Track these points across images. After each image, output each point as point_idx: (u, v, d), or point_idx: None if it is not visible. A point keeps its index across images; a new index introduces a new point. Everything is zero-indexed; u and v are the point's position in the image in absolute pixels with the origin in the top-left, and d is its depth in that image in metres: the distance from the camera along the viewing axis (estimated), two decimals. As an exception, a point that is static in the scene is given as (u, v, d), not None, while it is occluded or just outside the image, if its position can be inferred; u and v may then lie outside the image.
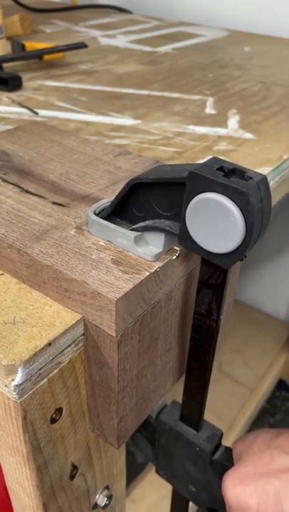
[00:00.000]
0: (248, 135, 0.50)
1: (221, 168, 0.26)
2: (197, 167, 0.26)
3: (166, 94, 0.61)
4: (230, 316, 0.46)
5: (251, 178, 0.25)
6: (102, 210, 0.32)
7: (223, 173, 0.25)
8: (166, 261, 0.29)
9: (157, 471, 0.44)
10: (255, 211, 0.24)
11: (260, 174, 0.25)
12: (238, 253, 0.26)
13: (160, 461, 0.42)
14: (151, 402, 0.37)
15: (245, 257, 0.26)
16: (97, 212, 0.32)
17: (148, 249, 0.29)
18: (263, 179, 0.25)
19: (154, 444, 0.42)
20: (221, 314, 0.30)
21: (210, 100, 0.60)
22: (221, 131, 0.51)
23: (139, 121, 0.52)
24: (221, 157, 0.45)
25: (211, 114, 0.56)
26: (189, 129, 0.51)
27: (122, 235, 0.30)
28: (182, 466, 0.40)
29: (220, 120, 0.54)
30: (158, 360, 0.34)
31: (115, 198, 0.31)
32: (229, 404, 1.08)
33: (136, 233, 0.29)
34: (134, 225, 0.30)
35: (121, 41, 0.88)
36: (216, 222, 0.25)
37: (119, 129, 0.50)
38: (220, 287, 0.29)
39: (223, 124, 0.53)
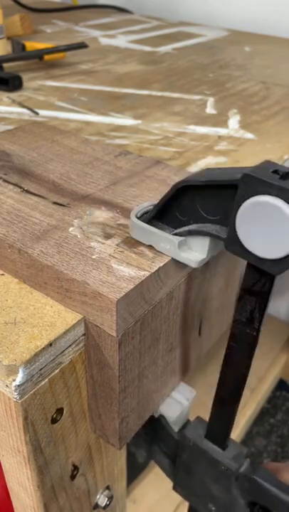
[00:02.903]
0: (249, 135, 0.50)
1: (275, 171, 0.25)
2: (252, 169, 0.25)
3: (166, 94, 0.61)
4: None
5: None
6: (145, 213, 0.31)
7: (279, 176, 0.24)
8: (166, 261, 0.29)
9: (175, 488, 0.42)
10: None
11: None
12: None
13: (179, 478, 0.41)
14: (153, 403, 0.37)
15: None
16: (138, 215, 0.31)
17: (192, 254, 0.29)
18: None
19: (173, 460, 0.41)
20: (262, 323, 0.29)
21: (210, 100, 0.60)
22: (222, 131, 0.51)
23: (139, 121, 0.52)
24: (222, 157, 0.45)
25: (212, 114, 0.56)
26: (190, 129, 0.51)
27: (165, 240, 0.29)
28: (204, 485, 0.39)
29: (220, 120, 0.54)
30: (159, 360, 0.34)
31: (159, 201, 0.30)
32: (230, 404, 1.08)
33: (180, 238, 0.29)
34: (176, 229, 0.29)
35: (121, 41, 0.88)
36: (268, 227, 0.24)
37: (119, 129, 0.50)
38: (265, 295, 0.28)
39: (223, 124, 0.53)
